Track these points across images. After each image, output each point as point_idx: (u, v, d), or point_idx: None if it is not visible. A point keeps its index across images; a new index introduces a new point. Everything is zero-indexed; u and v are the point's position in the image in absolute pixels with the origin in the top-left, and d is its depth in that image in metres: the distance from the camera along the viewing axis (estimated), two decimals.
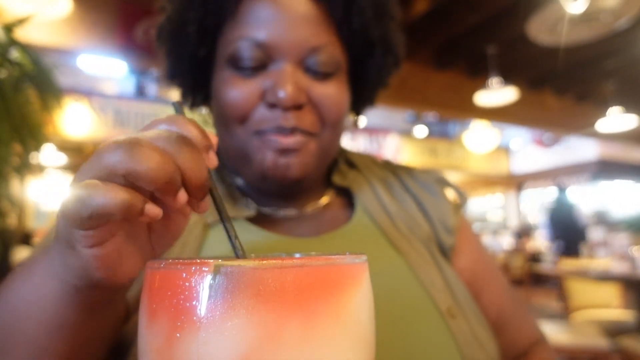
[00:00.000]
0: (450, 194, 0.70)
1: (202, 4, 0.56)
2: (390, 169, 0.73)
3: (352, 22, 0.56)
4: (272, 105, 0.54)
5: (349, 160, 0.72)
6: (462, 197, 0.71)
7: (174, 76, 0.64)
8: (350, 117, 0.68)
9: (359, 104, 0.69)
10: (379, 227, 0.62)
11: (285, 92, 0.52)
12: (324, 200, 0.66)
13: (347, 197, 0.68)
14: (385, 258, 0.58)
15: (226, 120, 0.57)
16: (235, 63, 0.55)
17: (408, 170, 0.73)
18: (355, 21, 0.56)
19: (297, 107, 0.55)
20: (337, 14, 0.56)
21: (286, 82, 0.53)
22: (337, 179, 0.68)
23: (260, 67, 0.55)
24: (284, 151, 0.55)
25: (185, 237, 0.57)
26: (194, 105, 0.67)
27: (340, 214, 0.65)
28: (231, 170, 0.65)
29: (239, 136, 0.57)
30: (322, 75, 0.56)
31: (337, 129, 0.59)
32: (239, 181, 0.65)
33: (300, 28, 0.53)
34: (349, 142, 8.70)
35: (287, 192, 0.62)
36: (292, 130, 0.55)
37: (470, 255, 0.67)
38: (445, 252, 0.64)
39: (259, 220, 0.61)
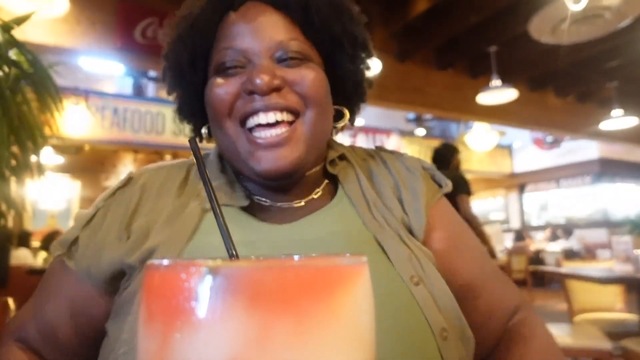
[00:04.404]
0: (431, 180, 0.77)
1: (190, 38, 0.67)
2: (380, 156, 0.80)
3: (312, 21, 0.65)
4: (251, 93, 0.61)
5: (341, 153, 0.78)
6: (446, 184, 0.78)
7: (182, 111, 0.74)
8: (346, 114, 0.75)
9: (346, 99, 0.75)
10: (356, 210, 0.69)
11: (260, 79, 0.60)
12: (319, 191, 0.72)
13: (336, 184, 0.75)
14: (356, 234, 0.65)
15: (216, 118, 0.65)
16: (220, 69, 0.65)
17: (397, 156, 0.80)
18: (315, 20, 0.65)
19: (275, 90, 0.61)
20: (297, 16, 0.65)
21: (260, 70, 0.61)
22: (330, 169, 0.74)
23: (240, 68, 0.64)
24: (271, 146, 0.61)
25: (184, 219, 0.64)
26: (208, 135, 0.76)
27: (326, 200, 0.71)
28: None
29: (229, 130, 0.64)
30: (292, 64, 0.64)
31: (321, 109, 0.65)
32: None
33: (268, 31, 0.64)
34: (349, 142, 8.66)
35: (285, 185, 0.68)
36: (269, 106, 0.61)
37: (445, 229, 0.73)
38: (415, 232, 0.70)
39: (255, 210, 0.68)
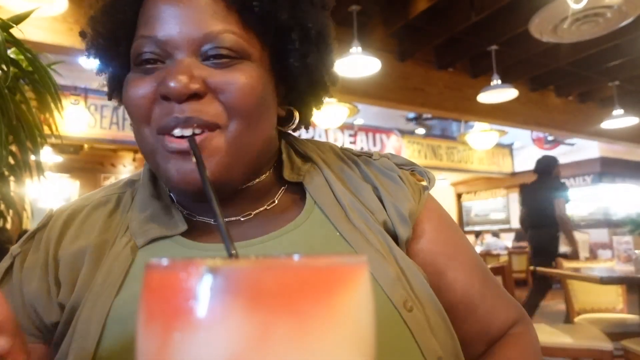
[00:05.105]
0: (412, 177, 0.69)
1: (109, 19, 0.57)
2: (349, 157, 0.71)
3: (252, 7, 0.53)
4: (166, 98, 0.52)
5: (303, 153, 0.68)
6: (428, 179, 0.69)
7: (112, 95, 0.64)
8: (296, 116, 0.64)
9: (299, 98, 0.64)
10: (330, 221, 0.60)
11: (175, 81, 0.50)
12: (274, 201, 0.63)
13: (301, 192, 0.65)
14: (332, 250, 0.57)
15: (135, 124, 0.56)
16: (137, 61, 0.54)
17: (366, 158, 0.71)
18: (256, 6, 0.53)
19: (194, 97, 0.51)
20: (235, 1, 0.53)
21: (177, 71, 0.50)
22: (288, 174, 0.65)
23: (160, 62, 0.54)
24: (182, 154, 0.52)
25: (112, 262, 0.56)
26: None
27: (292, 211, 0.63)
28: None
29: (148, 139, 0.55)
30: (222, 63, 0.53)
31: (248, 120, 0.54)
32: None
33: (193, 19, 0.52)
34: (350, 143, 8.67)
35: (222, 197, 0.57)
36: (187, 122, 0.51)
37: (431, 236, 0.65)
38: (401, 242, 0.62)
39: (197, 231, 0.59)
